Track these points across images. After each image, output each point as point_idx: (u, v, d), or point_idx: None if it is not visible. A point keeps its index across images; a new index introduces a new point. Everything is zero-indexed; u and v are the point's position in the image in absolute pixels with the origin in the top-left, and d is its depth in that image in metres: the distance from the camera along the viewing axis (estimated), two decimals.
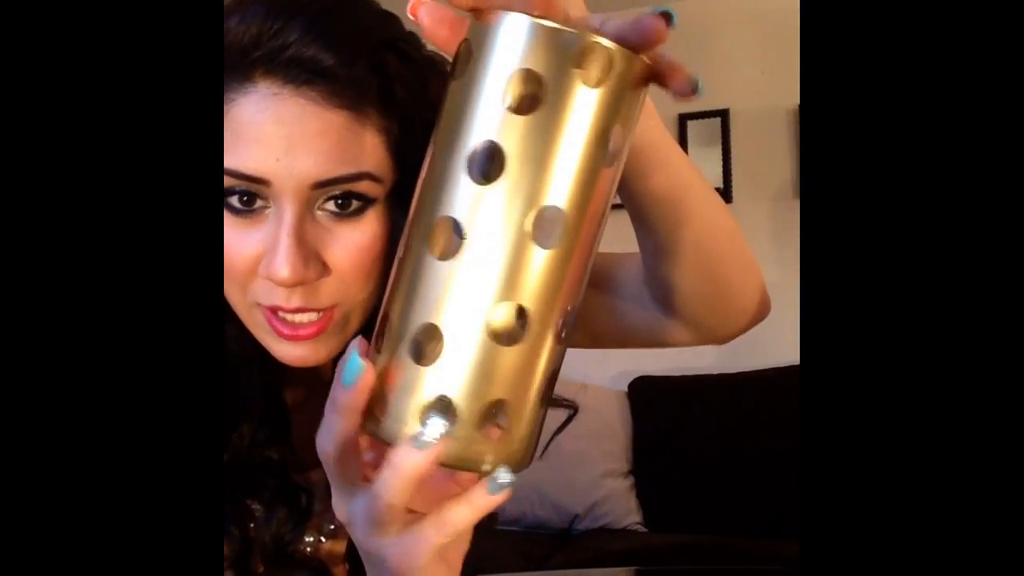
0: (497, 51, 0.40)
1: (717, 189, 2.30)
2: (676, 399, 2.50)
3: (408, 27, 0.59)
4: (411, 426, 0.41)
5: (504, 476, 0.42)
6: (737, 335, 0.70)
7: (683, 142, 2.67)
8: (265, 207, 0.57)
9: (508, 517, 2.42)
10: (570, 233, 0.41)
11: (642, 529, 2.43)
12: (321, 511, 0.68)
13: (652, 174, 0.57)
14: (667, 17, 0.40)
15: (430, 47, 0.59)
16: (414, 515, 0.44)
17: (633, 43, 0.41)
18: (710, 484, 2.37)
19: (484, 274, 0.40)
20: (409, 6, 0.44)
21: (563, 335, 0.43)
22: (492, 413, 0.42)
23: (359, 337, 0.43)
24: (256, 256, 0.57)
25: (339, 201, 0.57)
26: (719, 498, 2.34)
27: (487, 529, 0.53)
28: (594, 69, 0.40)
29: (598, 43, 0.40)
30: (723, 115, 2.70)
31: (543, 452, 0.45)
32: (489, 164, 0.40)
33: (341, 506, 0.46)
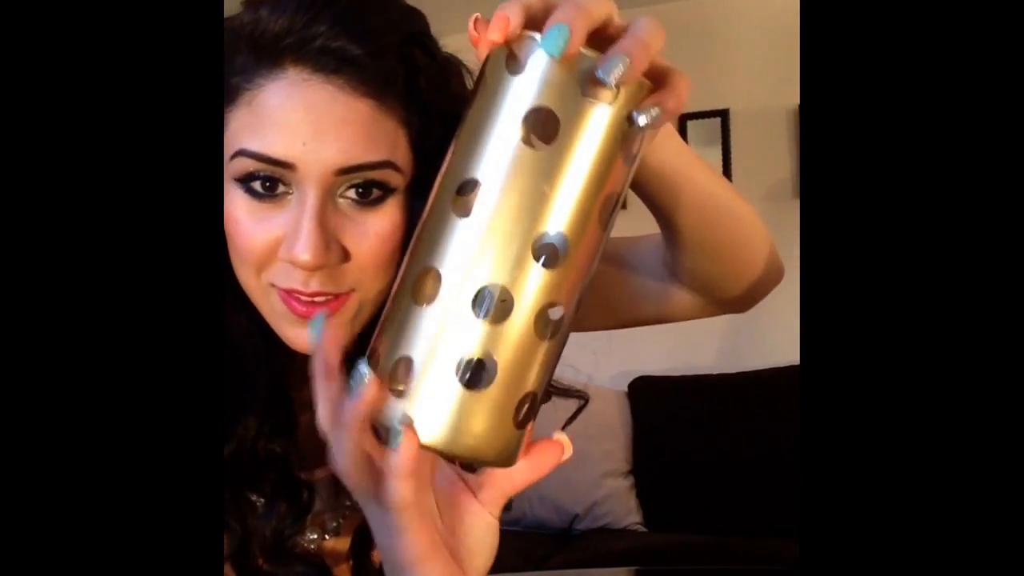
0: (514, 87, 0.42)
1: None
2: (676, 399, 2.50)
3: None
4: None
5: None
6: (755, 303, 0.74)
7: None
8: (287, 193, 0.57)
9: (508, 517, 2.41)
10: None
11: (642, 529, 2.43)
12: (326, 509, 0.68)
13: (683, 194, 0.60)
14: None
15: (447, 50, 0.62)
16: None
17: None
18: (710, 484, 2.37)
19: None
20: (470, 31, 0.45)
21: (549, 332, 0.43)
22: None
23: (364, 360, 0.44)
24: (276, 240, 0.58)
25: (360, 189, 0.58)
26: (719, 498, 2.34)
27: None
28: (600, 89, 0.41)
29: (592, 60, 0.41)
30: (723, 115, 2.70)
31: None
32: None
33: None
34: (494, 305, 0.42)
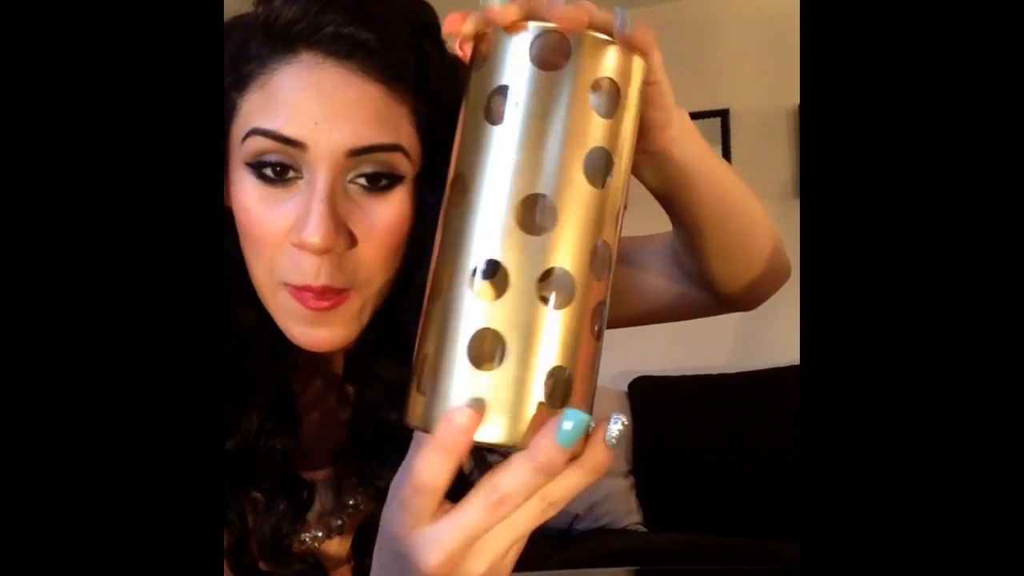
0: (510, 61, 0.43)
1: None
2: (676, 399, 2.50)
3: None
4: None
5: (618, 421, 0.42)
6: (763, 301, 0.75)
7: None
8: (297, 177, 0.58)
9: None
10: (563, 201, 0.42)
11: (642, 529, 2.43)
12: (330, 509, 0.68)
13: (697, 190, 0.61)
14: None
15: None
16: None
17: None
18: (710, 484, 2.37)
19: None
20: (447, 21, 0.47)
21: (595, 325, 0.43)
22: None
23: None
24: (287, 226, 0.58)
25: (369, 177, 0.58)
26: (719, 498, 2.34)
27: None
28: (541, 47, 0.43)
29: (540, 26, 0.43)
30: (723, 115, 2.70)
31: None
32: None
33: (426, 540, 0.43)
34: (483, 275, 0.42)
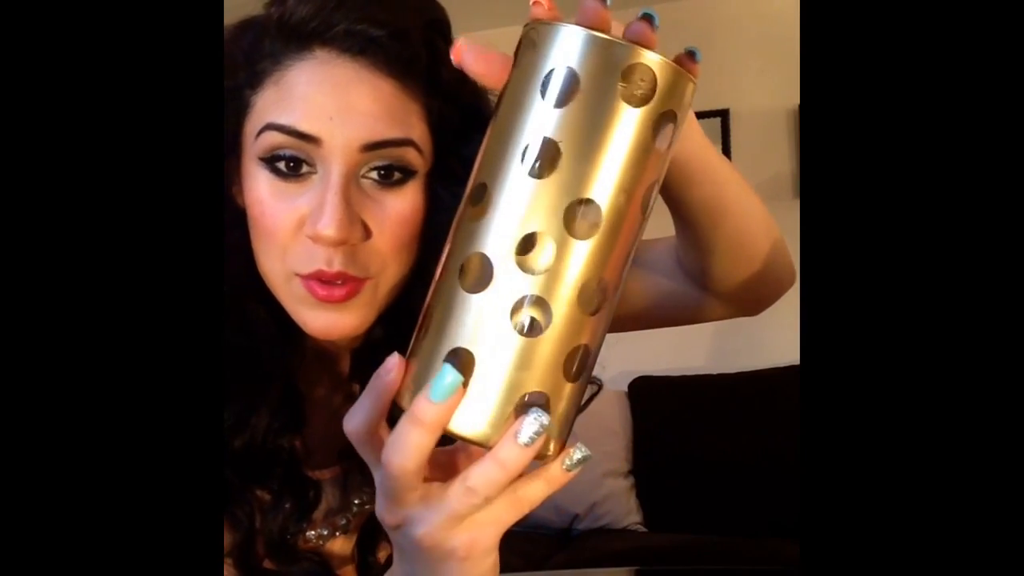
0: (552, 55, 0.41)
1: None
2: (676, 399, 2.50)
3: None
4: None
5: (582, 450, 0.43)
6: (768, 305, 0.75)
7: None
8: (311, 172, 0.58)
9: None
10: (604, 226, 0.41)
11: (642, 529, 2.43)
12: (336, 507, 0.68)
13: (695, 183, 0.61)
14: (649, 19, 0.43)
15: None
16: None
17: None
18: (710, 484, 2.36)
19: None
20: (452, 51, 0.46)
21: (594, 311, 0.43)
22: (524, 402, 0.42)
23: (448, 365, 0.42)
24: (300, 219, 0.58)
25: (382, 171, 0.59)
26: (719, 498, 2.34)
27: None
28: (638, 81, 0.41)
29: (644, 57, 0.41)
30: (723, 115, 2.70)
31: (569, 431, 0.45)
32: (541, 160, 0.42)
33: (396, 511, 0.44)
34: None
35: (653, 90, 0.41)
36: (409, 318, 0.63)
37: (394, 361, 0.43)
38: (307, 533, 0.67)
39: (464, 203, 0.44)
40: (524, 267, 0.41)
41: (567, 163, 0.40)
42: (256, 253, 0.61)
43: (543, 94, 0.41)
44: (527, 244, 0.41)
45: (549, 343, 0.41)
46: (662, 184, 0.62)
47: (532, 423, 0.41)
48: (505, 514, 0.44)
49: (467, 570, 0.44)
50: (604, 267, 0.42)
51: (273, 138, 0.58)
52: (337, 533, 0.68)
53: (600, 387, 0.71)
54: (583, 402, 0.55)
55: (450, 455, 0.47)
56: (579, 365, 0.43)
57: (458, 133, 0.62)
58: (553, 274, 0.41)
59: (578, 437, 0.47)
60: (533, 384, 0.41)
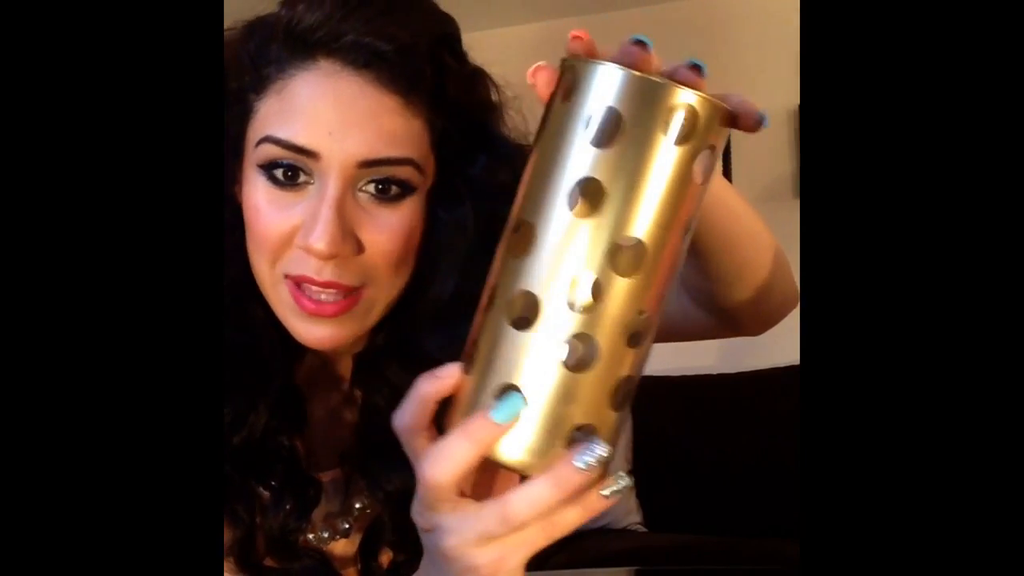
0: (594, 95, 0.42)
1: None
2: (676, 399, 2.50)
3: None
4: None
5: (623, 480, 0.43)
6: (770, 327, 0.74)
7: None
8: (308, 182, 0.58)
9: None
10: (649, 263, 0.42)
11: (642, 529, 2.43)
12: (337, 510, 0.68)
13: (707, 212, 0.59)
14: (698, 69, 0.44)
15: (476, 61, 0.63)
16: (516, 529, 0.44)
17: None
18: (710, 484, 2.36)
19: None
20: (529, 72, 0.45)
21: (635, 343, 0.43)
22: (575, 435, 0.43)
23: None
24: (293, 228, 0.58)
25: (380, 185, 0.58)
26: (719, 498, 2.34)
27: None
28: (680, 119, 0.42)
29: (686, 97, 0.42)
30: None
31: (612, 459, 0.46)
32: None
33: (429, 517, 0.45)
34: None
35: (694, 127, 0.42)
36: (411, 328, 0.63)
37: (452, 370, 0.44)
38: (308, 535, 0.66)
39: (507, 238, 0.44)
40: (571, 305, 0.42)
41: (612, 203, 0.41)
42: (250, 256, 0.61)
43: (587, 134, 0.42)
44: (574, 283, 0.42)
45: (596, 377, 0.42)
46: None
47: (592, 451, 0.42)
48: (537, 537, 0.44)
49: None
50: (648, 301, 0.43)
51: (271, 150, 0.57)
52: (338, 536, 0.68)
53: None
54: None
55: (490, 475, 0.47)
56: (624, 395, 0.44)
57: (462, 151, 0.62)
58: (599, 311, 0.42)
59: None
60: (581, 417, 0.42)
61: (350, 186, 0.57)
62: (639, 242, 0.42)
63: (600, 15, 2.74)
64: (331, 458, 0.69)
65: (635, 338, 0.43)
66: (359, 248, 0.58)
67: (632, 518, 2.44)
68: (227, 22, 0.60)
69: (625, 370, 0.43)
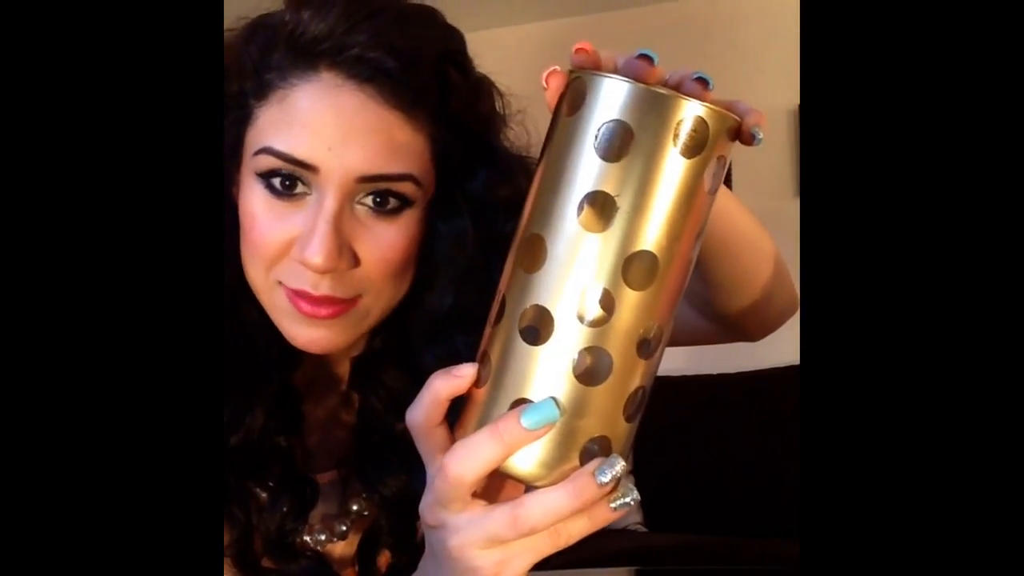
0: (597, 108, 0.42)
1: None
2: (676, 399, 2.50)
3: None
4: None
5: (632, 494, 0.44)
6: (770, 333, 0.74)
7: None
8: (306, 193, 0.58)
9: None
10: (660, 275, 0.42)
11: (642, 529, 2.43)
12: (334, 513, 0.68)
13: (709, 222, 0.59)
14: (704, 82, 0.44)
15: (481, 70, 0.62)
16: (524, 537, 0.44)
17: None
18: (710, 484, 2.36)
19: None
20: (544, 75, 0.45)
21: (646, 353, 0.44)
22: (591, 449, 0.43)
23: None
24: (290, 239, 0.58)
25: (378, 199, 0.58)
26: (719, 498, 2.34)
27: None
28: (690, 132, 0.42)
29: (696, 110, 0.42)
30: None
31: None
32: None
33: (438, 513, 0.45)
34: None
35: (704, 139, 0.42)
36: (409, 333, 0.63)
37: (468, 369, 0.44)
38: (305, 537, 0.66)
39: (516, 250, 0.44)
40: (582, 319, 0.42)
41: (624, 217, 0.41)
42: (243, 260, 0.61)
43: (596, 147, 0.42)
44: (584, 296, 0.42)
45: (608, 390, 0.42)
46: None
47: (613, 466, 0.42)
48: (542, 545, 0.44)
49: None
50: (659, 313, 0.43)
51: (270, 161, 0.57)
52: (335, 538, 0.68)
53: None
54: None
55: (498, 483, 0.47)
56: (636, 406, 0.44)
57: (462, 165, 0.61)
58: (611, 325, 0.42)
59: None
60: (594, 430, 0.43)
61: (348, 199, 0.57)
62: (650, 254, 0.42)
63: (600, 15, 2.74)
64: (328, 460, 0.69)
65: (647, 349, 0.43)
66: (355, 262, 0.58)
67: (632, 518, 2.44)
68: (228, 18, 0.60)
69: (637, 381, 0.43)
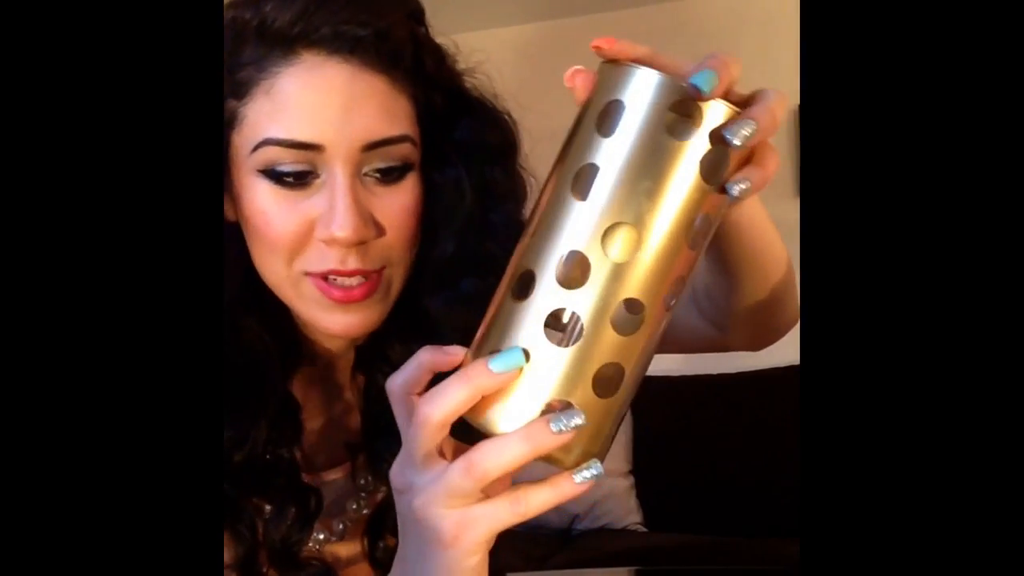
0: (605, 90, 0.44)
1: None
2: (676, 399, 2.50)
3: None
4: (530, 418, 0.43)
5: (595, 467, 0.44)
6: (774, 342, 0.74)
7: None
8: (314, 175, 0.58)
9: None
10: (639, 250, 0.43)
11: (642, 529, 2.43)
12: (335, 512, 0.68)
13: (744, 240, 0.59)
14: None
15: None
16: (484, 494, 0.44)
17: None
18: (710, 484, 2.36)
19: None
20: (567, 75, 0.46)
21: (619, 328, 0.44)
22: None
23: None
24: (308, 224, 0.58)
25: (382, 167, 0.59)
26: (719, 498, 2.34)
27: None
28: (688, 116, 0.43)
29: (691, 93, 0.43)
30: None
31: (596, 449, 0.46)
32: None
33: (407, 473, 0.45)
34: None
35: (693, 122, 0.43)
36: (413, 293, 0.63)
37: (458, 349, 0.45)
38: (310, 539, 0.66)
39: (526, 225, 0.46)
40: (559, 281, 0.43)
41: (605, 187, 0.43)
42: (258, 261, 0.61)
43: (596, 125, 0.44)
44: (563, 260, 0.43)
45: (578, 355, 0.43)
46: (727, 250, 0.60)
47: (570, 417, 0.42)
48: (502, 511, 0.44)
49: (450, 560, 0.44)
50: (639, 290, 0.43)
51: (273, 153, 0.57)
52: (333, 538, 0.68)
53: None
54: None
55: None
56: (608, 382, 0.44)
57: (445, 118, 0.63)
58: (587, 290, 0.42)
59: None
60: (559, 392, 0.43)
61: (357, 172, 0.58)
62: (633, 228, 0.42)
63: (600, 15, 2.74)
64: (330, 458, 0.69)
65: (622, 325, 0.43)
66: (379, 231, 0.59)
67: (632, 518, 2.44)
68: None
69: (609, 356, 0.43)
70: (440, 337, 0.53)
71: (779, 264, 0.65)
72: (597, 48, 0.46)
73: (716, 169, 0.44)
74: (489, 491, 0.44)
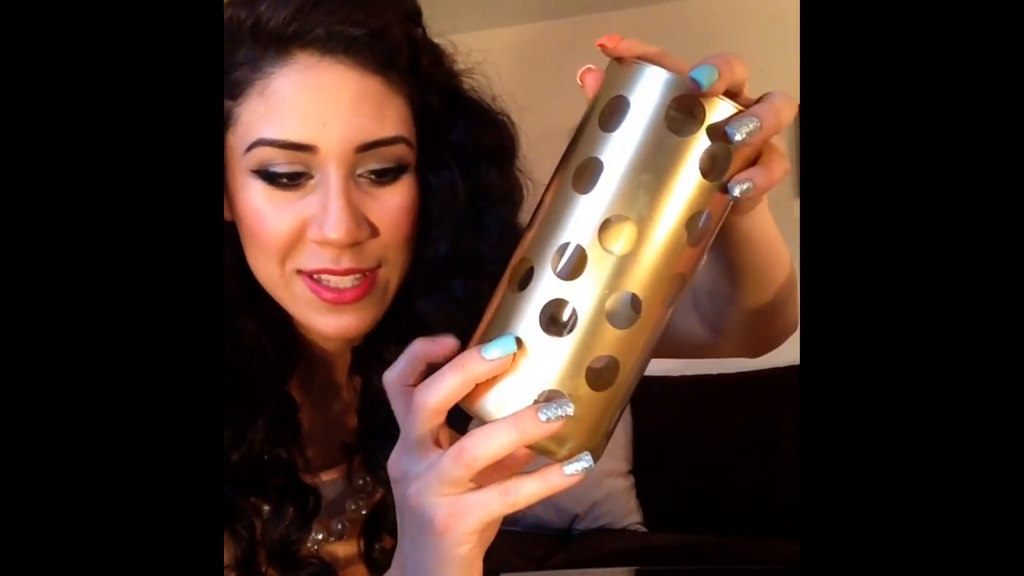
0: (610, 85, 0.45)
1: None
2: (676, 399, 2.50)
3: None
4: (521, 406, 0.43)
5: (585, 460, 0.44)
6: (772, 350, 0.75)
7: None
8: (308, 176, 0.58)
9: (508, 517, 2.41)
10: (636, 243, 0.43)
11: (642, 529, 2.43)
12: (333, 511, 0.68)
13: (753, 250, 0.58)
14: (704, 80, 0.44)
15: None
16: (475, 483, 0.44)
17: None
18: (710, 484, 2.36)
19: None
20: (579, 73, 0.47)
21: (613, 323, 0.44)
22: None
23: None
24: (300, 224, 0.58)
25: (376, 168, 0.59)
26: (719, 498, 2.34)
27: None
28: (691, 114, 0.44)
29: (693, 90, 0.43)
30: None
31: (590, 442, 0.46)
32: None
33: (403, 461, 0.45)
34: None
35: (694, 119, 0.43)
36: (408, 297, 0.63)
37: (450, 339, 0.46)
38: (308, 537, 0.66)
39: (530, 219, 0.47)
40: (556, 272, 0.43)
41: (606, 181, 0.43)
42: (252, 261, 0.61)
43: (600, 121, 0.44)
44: (560, 252, 0.44)
45: (571, 346, 0.43)
46: (735, 258, 0.60)
47: (560, 406, 0.42)
48: (493, 502, 0.44)
49: (442, 549, 0.44)
50: (636, 283, 0.43)
51: (266, 153, 0.57)
52: (332, 538, 0.68)
53: None
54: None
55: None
56: (604, 376, 0.44)
57: (441, 119, 0.63)
58: (584, 282, 0.43)
59: None
60: (551, 382, 0.43)
61: (351, 173, 0.58)
62: (630, 222, 0.43)
63: (600, 15, 2.74)
64: (329, 458, 0.69)
65: (618, 319, 0.43)
66: (373, 231, 0.59)
67: (632, 518, 2.44)
68: None
69: (604, 348, 0.43)
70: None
71: (783, 274, 0.64)
72: (602, 46, 0.46)
73: (718, 167, 0.44)
74: (485, 483, 0.44)
